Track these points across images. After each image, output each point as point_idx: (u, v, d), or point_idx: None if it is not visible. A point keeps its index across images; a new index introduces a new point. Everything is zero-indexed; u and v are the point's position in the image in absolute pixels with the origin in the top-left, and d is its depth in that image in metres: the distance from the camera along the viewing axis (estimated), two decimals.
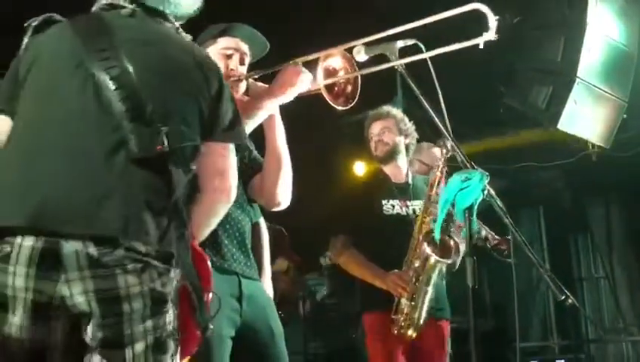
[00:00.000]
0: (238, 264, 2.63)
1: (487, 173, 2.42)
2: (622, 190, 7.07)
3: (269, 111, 2.57)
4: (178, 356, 1.78)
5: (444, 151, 3.47)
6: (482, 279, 6.86)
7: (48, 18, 1.96)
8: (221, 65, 2.65)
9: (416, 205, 3.80)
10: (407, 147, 3.97)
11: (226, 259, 2.59)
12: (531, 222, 8.10)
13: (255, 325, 2.62)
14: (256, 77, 2.73)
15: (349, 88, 2.66)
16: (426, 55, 2.52)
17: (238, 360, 2.55)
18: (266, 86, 2.68)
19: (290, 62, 2.60)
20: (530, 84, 5.57)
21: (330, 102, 2.58)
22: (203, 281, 1.86)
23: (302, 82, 2.55)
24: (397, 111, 4.04)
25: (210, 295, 1.89)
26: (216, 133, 1.95)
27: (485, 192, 2.45)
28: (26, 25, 1.96)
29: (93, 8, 2.03)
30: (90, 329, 1.66)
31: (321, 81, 2.55)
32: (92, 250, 1.64)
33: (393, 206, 3.81)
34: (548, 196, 7.77)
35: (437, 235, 2.60)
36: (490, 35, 2.14)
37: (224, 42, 2.73)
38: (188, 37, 2.09)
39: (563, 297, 2.36)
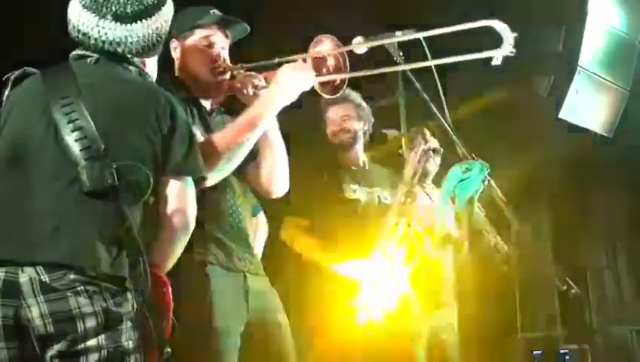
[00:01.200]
0: (244, 262, 2.63)
1: (487, 164, 2.43)
2: (625, 179, 7.04)
3: (276, 112, 2.54)
4: None
5: (422, 140, 3.41)
6: None
7: (25, 71, 2.18)
8: (204, 55, 2.67)
9: (377, 192, 3.78)
10: (364, 133, 3.95)
11: (232, 259, 2.59)
12: (535, 213, 8.08)
13: (262, 318, 2.62)
14: (242, 70, 2.71)
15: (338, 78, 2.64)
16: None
17: (249, 353, 2.55)
18: (251, 74, 2.67)
19: (293, 58, 2.59)
20: (532, 73, 5.55)
21: (319, 91, 2.57)
22: (162, 306, 2.01)
23: (306, 80, 2.53)
24: (355, 95, 3.93)
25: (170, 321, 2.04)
26: (169, 168, 2.11)
27: (486, 183, 2.46)
28: (4, 78, 2.18)
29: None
30: (49, 348, 1.85)
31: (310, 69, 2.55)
32: (44, 277, 1.83)
33: (355, 190, 3.76)
34: (551, 186, 7.75)
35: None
36: (506, 49, 2.14)
37: (203, 32, 2.69)
38: (152, 78, 2.32)
39: (565, 287, 2.36)
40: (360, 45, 2.58)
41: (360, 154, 3.95)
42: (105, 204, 1.92)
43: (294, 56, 2.60)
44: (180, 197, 2.12)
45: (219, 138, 2.43)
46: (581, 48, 5.20)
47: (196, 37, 2.70)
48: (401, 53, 2.66)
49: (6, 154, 2.04)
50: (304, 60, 2.56)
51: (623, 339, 7.27)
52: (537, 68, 5.60)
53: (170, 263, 2.15)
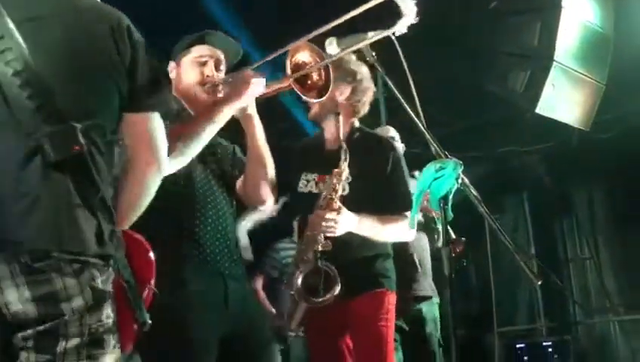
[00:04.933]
0: (223, 263, 2.62)
1: (460, 162, 2.42)
2: (604, 171, 7.10)
3: (227, 115, 2.53)
4: (117, 350, 1.74)
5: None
6: (469, 263, 6.91)
7: None
8: (196, 72, 2.72)
9: None
10: None
11: (209, 259, 2.58)
12: (516, 207, 8.14)
13: (242, 332, 2.58)
14: (230, 80, 2.73)
15: (321, 81, 2.68)
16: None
17: None
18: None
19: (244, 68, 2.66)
20: (509, 68, 5.59)
21: (303, 96, 2.60)
22: (143, 275, 1.87)
23: (254, 86, 2.55)
24: None
25: (147, 289, 1.89)
26: (135, 105, 1.85)
27: (459, 181, 2.46)
28: None
29: None
30: (29, 332, 1.64)
31: (290, 76, 2.58)
32: (25, 258, 1.61)
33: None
34: (531, 180, 7.81)
35: (412, 225, 2.60)
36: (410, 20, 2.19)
37: (197, 50, 2.76)
38: None
39: (539, 282, 2.37)
40: (338, 54, 2.60)
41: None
42: (75, 173, 1.67)
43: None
44: (150, 136, 1.88)
45: (173, 130, 2.46)
46: (556, 43, 5.23)
47: (190, 56, 2.77)
48: (373, 54, 2.67)
49: None
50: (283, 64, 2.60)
51: (606, 330, 7.34)
52: (514, 63, 5.63)
53: (136, 215, 1.92)
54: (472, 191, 2.48)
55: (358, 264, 2.98)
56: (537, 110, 5.28)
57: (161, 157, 1.91)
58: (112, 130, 1.79)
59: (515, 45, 5.56)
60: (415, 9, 2.20)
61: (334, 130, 3.09)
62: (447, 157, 2.46)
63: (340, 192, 2.90)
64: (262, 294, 5.77)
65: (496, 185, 7.48)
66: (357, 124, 3.19)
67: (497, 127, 6.60)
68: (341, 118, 3.03)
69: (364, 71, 3.14)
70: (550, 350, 6.11)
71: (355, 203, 2.95)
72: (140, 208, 1.92)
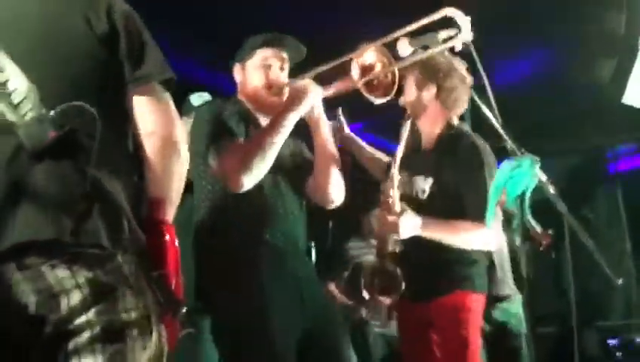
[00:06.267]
0: (295, 265, 2.64)
1: (537, 159, 2.38)
2: None
3: (294, 120, 2.60)
4: (151, 345, 1.61)
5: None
6: (561, 258, 6.73)
7: None
8: (262, 76, 2.76)
9: None
10: None
11: (283, 262, 2.60)
12: (609, 200, 7.89)
13: (320, 330, 2.60)
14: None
15: (387, 81, 2.67)
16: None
17: None
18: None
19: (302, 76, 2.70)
20: (595, 56, 5.44)
21: (369, 97, 2.60)
22: (166, 261, 1.73)
23: (312, 94, 2.62)
24: None
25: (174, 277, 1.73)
26: (131, 80, 1.73)
27: (536, 179, 2.42)
28: None
29: None
30: (37, 333, 1.55)
31: (358, 78, 2.56)
32: (16, 255, 1.52)
33: None
34: (625, 171, 7.56)
35: (488, 224, 2.55)
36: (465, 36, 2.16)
37: (262, 53, 2.79)
38: None
39: (620, 281, 2.31)
40: (412, 57, 2.60)
41: None
42: (57, 162, 1.56)
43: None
44: (158, 111, 1.75)
45: (244, 146, 2.55)
46: None
47: (255, 59, 2.81)
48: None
49: None
50: (349, 67, 2.61)
51: None
52: (600, 51, 5.47)
53: (175, 195, 1.79)
54: (551, 189, 2.45)
55: (435, 266, 2.94)
56: (623, 100, 5.12)
57: (176, 125, 1.78)
58: (106, 109, 1.63)
59: (602, 33, 5.40)
60: (469, 26, 2.18)
61: (428, 130, 3.10)
62: (522, 154, 2.43)
63: (396, 195, 2.89)
64: (335, 291, 5.83)
65: (588, 179, 7.28)
66: (455, 121, 3.10)
67: (586, 117, 6.42)
68: (427, 118, 3.06)
69: (452, 66, 3.02)
70: None
71: (434, 206, 2.93)
72: (175, 189, 1.80)
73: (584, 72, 5.52)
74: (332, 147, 2.77)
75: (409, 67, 2.90)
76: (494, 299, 4.32)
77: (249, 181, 2.49)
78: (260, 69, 2.78)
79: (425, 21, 2.27)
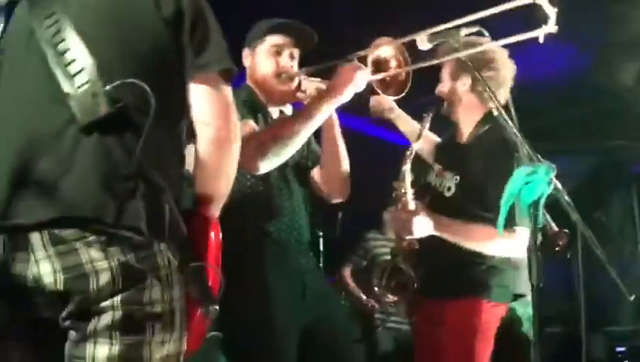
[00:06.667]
0: (298, 258, 2.64)
1: (553, 166, 2.32)
2: None
3: (329, 112, 2.55)
4: (173, 344, 1.59)
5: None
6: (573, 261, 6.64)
7: None
8: (272, 63, 2.70)
9: None
10: None
11: (286, 254, 2.60)
12: (624, 203, 7.80)
13: (322, 324, 2.61)
14: (302, 75, 2.73)
15: (401, 78, 2.63)
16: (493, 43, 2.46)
17: (311, 355, 2.56)
18: (318, 81, 2.69)
19: (346, 59, 2.59)
20: (619, 60, 5.34)
21: (381, 93, 2.56)
22: (207, 256, 1.69)
23: (360, 80, 2.52)
24: None
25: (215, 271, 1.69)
26: (192, 66, 1.69)
27: (552, 186, 2.36)
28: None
29: None
30: (60, 309, 1.54)
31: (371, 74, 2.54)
32: (53, 230, 1.51)
33: None
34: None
35: (500, 230, 2.46)
36: (550, 27, 2.06)
37: (273, 39, 2.73)
38: None
39: (632, 297, 2.26)
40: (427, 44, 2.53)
41: None
42: (106, 138, 1.54)
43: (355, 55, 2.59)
44: (215, 101, 1.71)
45: (269, 129, 2.51)
46: None
47: (265, 45, 2.75)
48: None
49: (7, 106, 1.67)
50: (364, 63, 2.56)
51: None
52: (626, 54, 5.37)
53: (223, 192, 1.76)
54: (565, 197, 2.38)
55: (451, 266, 2.86)
56: None
57: (234, 121, 1.74)
58: (163, 92, 1.59)
59: (627, 35, 5.29)
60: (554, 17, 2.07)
61: (464, 123, 3.01)
62: (539, 160, 2.37)
63: (409, 193, 2.81)
64: (351, 282, 5.81)
65: (604, 180, 7.20)
66: (494, 113, 2.78)
67: (605, 119, 6.33)
68: (463, 110, 2.98)
69: (488, 56, 2.83)
70: None
71: (457, 204, 2.85)
72: (225, 186, 1.77)
73: (607, 73, 5.41)
74: (341, 141, 2.74)
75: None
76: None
77: (265, 166, 2.44)
78: (270, 56, 2.71)
79: (510, 5, 2.16)
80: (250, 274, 2.45)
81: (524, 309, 4.31)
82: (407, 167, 2.85)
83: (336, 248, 5.97)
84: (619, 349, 5.95)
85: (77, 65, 1.56)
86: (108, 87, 1.54)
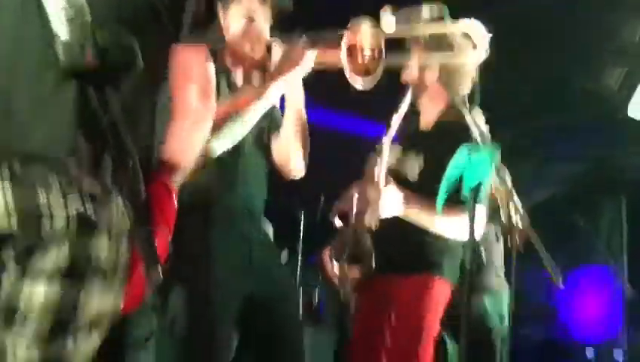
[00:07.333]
0: (248, 228, 2.63)
1: (498, 145, 2.29)
2: None
3: (280, 90, 2.54)
4: (108, 295, 1.59)
5: None
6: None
7: None
8: (244, 27, 2.61)
9: None
10: None
11: (236, 223, 2.58)
12: (613, 211, 7.78)
13: (265, 300, 2.59)
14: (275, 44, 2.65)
15: (372, 65, 2.52)
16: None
17: (250, 324, 2.56)
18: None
19: (299, 38, 2.55)
20: (605, 64, 5.34)
21: (350, 80, 2.47)
22: (160, 220, 1.71)
23: (306, 61, 2.50)
24: None
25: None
26: (180, 38, 1.78)
27: (495, 170, 2.33)
28: None
29: None
30: (5, 248, 1.52)
31: (344, 58, 2.45)
32: (16, 166, 1.49)
33: None
34: (633, 183, 7.44)
35: (439, 207, 2.45)
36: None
37: (248, 2, 2.62)
38: None
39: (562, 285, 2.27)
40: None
41: None
42: (86, 89, 1.55)
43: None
44: (196, 76, 1.78)
45: (224, 107, 2.44)
46: None
47: (239, 7, 2.63)
48: None
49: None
50: (339, 44, 2.51)
51: None
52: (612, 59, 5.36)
53: (187, 159, 1.82)
54: (508, 183, 2.38)
55: (404, 243, 2.88)
56: (629, 113, 5.01)
57: (208, 92, 1.82)
58: (151, 58, 1.62)
59: (615, 41, 5.30)
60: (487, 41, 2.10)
61: (428, 111, 3.06)
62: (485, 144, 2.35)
63: (383, 169, 2.82)
64: (327, 261, 5.79)
65: (594, 187, 7.18)
66: (456, 103, 2.83)
67: (593, 125, 6.32)
68: (427, 99, 3.01)
69: (457, 45, 2.80)
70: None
71: (421, 191, 2.85)
72: (190, 152, 1.82)
73: (593, 78, 5.41)
74: (303, 116, 2.70)
75: (413, 43, 2.83)
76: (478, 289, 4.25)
77: (220, 147, 2.42)
78: (243, 19, 2.62)
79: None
80: (196, 242, 2.45)
81: (494, 303, 4.32)
82: (385, 141, 2.86)
83: (316, 230, 5.97)
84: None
85: (68, 11, 1.54)
86: (96, 39, 1.53)
